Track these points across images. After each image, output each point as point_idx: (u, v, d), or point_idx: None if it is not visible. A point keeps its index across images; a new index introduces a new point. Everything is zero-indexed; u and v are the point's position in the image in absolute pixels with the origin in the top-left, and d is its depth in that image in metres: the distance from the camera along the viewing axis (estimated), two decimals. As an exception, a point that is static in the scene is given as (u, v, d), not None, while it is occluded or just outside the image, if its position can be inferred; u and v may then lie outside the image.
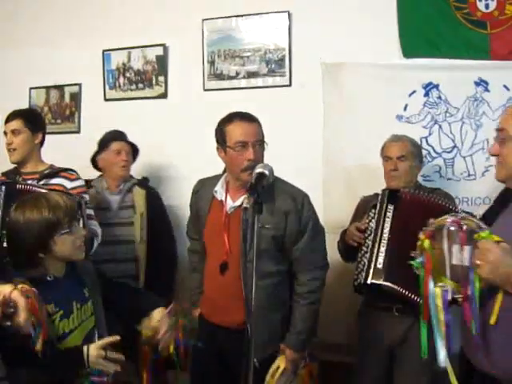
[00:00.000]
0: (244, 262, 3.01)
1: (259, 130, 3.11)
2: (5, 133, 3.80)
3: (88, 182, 4.07)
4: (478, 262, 2.08)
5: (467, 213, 2.48)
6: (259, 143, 3.07)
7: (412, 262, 2.30)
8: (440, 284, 2.22)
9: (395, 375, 3.47)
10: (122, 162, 4.08)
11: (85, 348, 2.39)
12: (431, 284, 2.22)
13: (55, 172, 3.74)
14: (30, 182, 3.65)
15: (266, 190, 2.83)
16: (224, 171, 3.28)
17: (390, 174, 3.57)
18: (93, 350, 2.38)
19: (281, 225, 3.06)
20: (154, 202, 4.18)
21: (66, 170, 3.78)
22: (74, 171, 3.81)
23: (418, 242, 2.27)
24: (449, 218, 2.21)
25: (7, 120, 3.82)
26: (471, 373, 2.35)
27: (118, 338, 2.47)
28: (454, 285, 2.19)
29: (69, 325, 2.52)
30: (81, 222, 2.73)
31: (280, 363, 3.15)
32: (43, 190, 3.29)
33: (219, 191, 3.20)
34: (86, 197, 3.71)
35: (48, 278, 2.50)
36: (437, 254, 2.23)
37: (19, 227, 2.44)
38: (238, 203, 3.10)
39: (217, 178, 3.29)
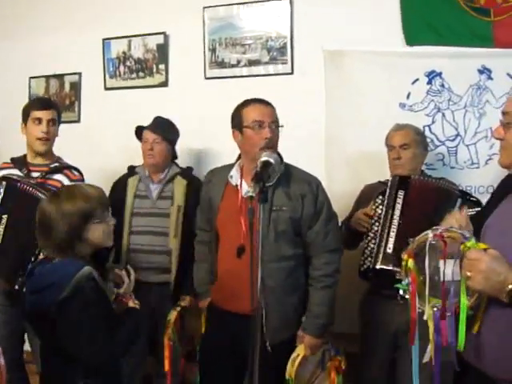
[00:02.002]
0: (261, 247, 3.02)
1: (275, 113, 3.22)
2: (38, 119, 3.69)
3: (133, 168, 4.15)
4: (469, 273, 1.99)
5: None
6: (275, 124, 3.17)
7: (398, 285, 2.24)
8: (431, 303, 2.15)
9: (398, 364, 3.46)
10: (147, 151, 4.01)
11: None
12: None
13: (60, 168, 3.74)
14: (36, 174, 3.67)
15: (282, 176, 3.09)
16: (238, 158, 3.34)
17: (393, 163, 3.58)
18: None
19: (298, 207, 3.13)
20: (195, 194, 3.90)
21: (70, 167, 3.78)
22: (79, 171, 3.80)
23: (402, 262, 2.22)
24: (430, 233, 2.13)
25: (45, 106, 3.74)
26: (466, 369, 2.30)
27: None
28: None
29: None
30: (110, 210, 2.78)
31: (299, 351, 3.16)
32: (39, 194, 3.34)
33: (235, 176, 3.26)
34: None
35: None
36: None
37: (55, 218, 2.55)
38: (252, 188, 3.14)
39: (228, 166, 3.36)
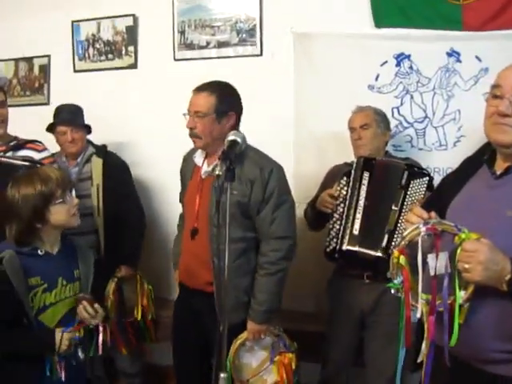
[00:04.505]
0: (211, 227, 3.07)
1: (204, 101, 3.15)
2: None
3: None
4: (467, 265, 1.92)
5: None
6: (197, 115, 3.13)
7: (390, 285, 2.10)
8: (425, 300, 2.03)
9: (366, 343, 3.50)
10: (67, 143, 4.09)
11: (57, 335, 2.60)
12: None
13: (22, 144, 3.66)
14: None
15: (237, 157, 2.93)
16: None
17: (355, 144, 3.63)
18: (65, 340, 2.60)
19: (246, 192, 3.10)
20: (113, 170, 4.12)
21: (32, 141, 3.71)
22: (41, 142, 3.75)
23: (393, 260, 2.06)
24: (422, 227, 1.99)
25: None
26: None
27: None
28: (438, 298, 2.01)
29: (50, 298, 2.71)
30: (73, 191, 2.86)
31: (243, 334, 3.20)
32: (18, 162, 3.32)
33: (198, 157, 3.29)
34: (55, 166, 3.62)
35: (39, 253, 2.71)
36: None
37: (16, 202, 2.63)
38: (210, 168, 3.18)
39: None
